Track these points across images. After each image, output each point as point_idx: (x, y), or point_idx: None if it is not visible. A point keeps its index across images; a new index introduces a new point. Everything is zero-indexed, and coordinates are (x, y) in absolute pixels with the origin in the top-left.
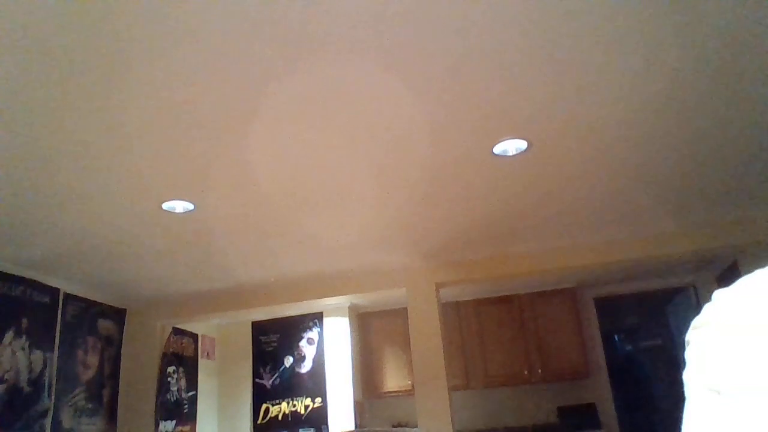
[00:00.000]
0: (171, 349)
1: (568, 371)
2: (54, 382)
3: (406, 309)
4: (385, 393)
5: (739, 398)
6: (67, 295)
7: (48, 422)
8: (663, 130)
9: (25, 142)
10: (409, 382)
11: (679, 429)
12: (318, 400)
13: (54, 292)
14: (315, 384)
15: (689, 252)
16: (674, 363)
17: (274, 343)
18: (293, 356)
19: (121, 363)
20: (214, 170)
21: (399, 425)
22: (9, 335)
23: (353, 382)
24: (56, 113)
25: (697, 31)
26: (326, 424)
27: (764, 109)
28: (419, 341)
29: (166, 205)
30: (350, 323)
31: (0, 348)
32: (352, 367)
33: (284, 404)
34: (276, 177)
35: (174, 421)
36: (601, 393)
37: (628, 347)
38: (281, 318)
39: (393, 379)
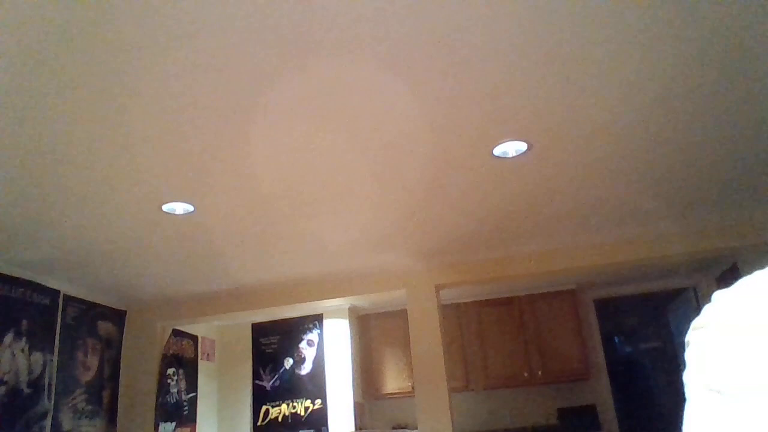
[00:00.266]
0: (171, 351)
1: (569, 373)
2: (54, 383)
3: (406, 310)
4: (385, 394)
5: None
6: (67, 297)
7: (48, 424)
8: (663, 131)
9: (25, 143)
10: (409, 384)
11: (680, 430)
12: (318, 401)
13: (54, 293)
14: (315, 386)
15: (689, 253)
16: (674, 364)
17: (274, 345)
18: (293, 358)
19: (121, 365)
20: (214, 172)
21: (399, 427)
22: (9, 337)
23: (353, 384)
24: (56, 115)
25: (697, 32)
26: (326, 425)
27: (765, 110)
28: (419, 343)
29: (166, 207)
30: (350, 325)
31: (0, 349)
32: (352, 369)
33: (284, 406)
34: (276, 178)
35: (174, 423)
36: (601, 394)
37: (629, 349)
38: (281, 320)
39: (393, 381)
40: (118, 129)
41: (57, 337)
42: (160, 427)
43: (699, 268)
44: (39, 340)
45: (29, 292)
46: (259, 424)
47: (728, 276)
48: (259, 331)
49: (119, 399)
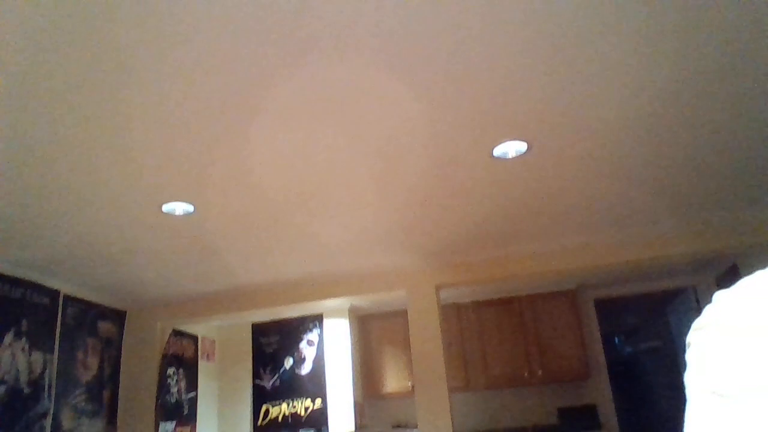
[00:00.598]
0: (171, 351)
1: (569, 373)
2: (54, 383)
3: (406, 311)
4: (385, 394)
5: (740, 400)
6: (67, 297)
7: (48, 424)
8: (663, 131)
9: (25, 143)
10: (409, 384)
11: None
12: (318, 401)
13: (54, 293)
14: (315, 385)
15: (689, 253)
16: (674, 364)
17: (274, 345)
18: (293, 358)
19: (121, 364)
20: (214, 172)
21: (399, 427)
22: (9, 337)
23: (353, 384)
24: (56, 115)
25: (697, 32)
26: (326, 425)
27: (764, 110)
28: (419, 343)
29: (165, 207)
30: (350, 325)
31: (0, 349)
32: (352, 369)
33: (284, 405)
34: (276, 178)
35: (174, 423)
36: (601, 394)
37: (629, 349)
38: (281, 320)
39: (393, 381)
40: (118, 129)
41: (57, 337)
42: (160, 427)
43: (699, 268)
44: (39, 340)
45: (29, 292)
46: (259, 423)
47: (728, 276)
48: (259, 330)
49: (119, 399)
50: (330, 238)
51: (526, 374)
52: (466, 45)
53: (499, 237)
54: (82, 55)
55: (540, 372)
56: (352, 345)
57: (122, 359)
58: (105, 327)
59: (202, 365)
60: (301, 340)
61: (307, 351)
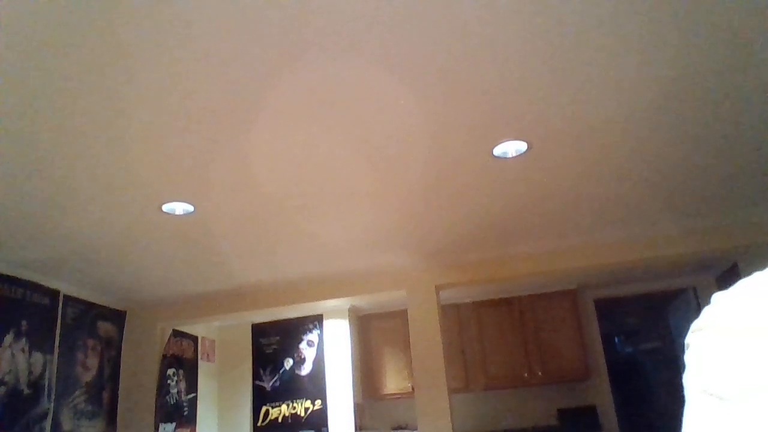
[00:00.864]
0: (171, 352)
1: (569, 373)
2: (54, 384)
3: (406, 311)
4: (385, 395)
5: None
6: (67, 297)
7: (48, 424)
8: (663, 132)
9: (24, 143)
10: (409, 385)
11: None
12: (318, 402)
13: (54, 294)
14: (315, 386)
15: (689, 254)
16: (674, 365)
17: (274, 346)
18: (293, 358)
19: (121, 365)
20: (214, 172)
21: (399, 427)
22: (9, 337)
23: (353, 384)
24: (56, 115)
25: (697, 33)
26: (326, 426)
27: (765, 110)
28: (419, 343)
29: (165, 207)
30: (350, 325)
31: (0, 350)
32: (352, 370)
33: (284, 406)
34: (276, 178)
35: (174, 424)
36: (601, 395)
37: (629, 349)
38: (281, 320)
39: (393, 382)
40: (118, 129)
41: (57, 337)
42: (160, 428)
43: (699, 268)
44: (39, 340)
45: (29, 293)
46: (259, 424)
47: (728, 276)
48: (259, 331)
49: (119, 399)
50: (330, 238)
51: (526, 375)
52: (466, 45)
53: (499, 237)
54: (82, 56)
55: (540, 372)
56: (352, 345)
57: (122, 360)
58: (105, 327)
59: (202, 366)
60: (301, 340)
61: (307, 352)
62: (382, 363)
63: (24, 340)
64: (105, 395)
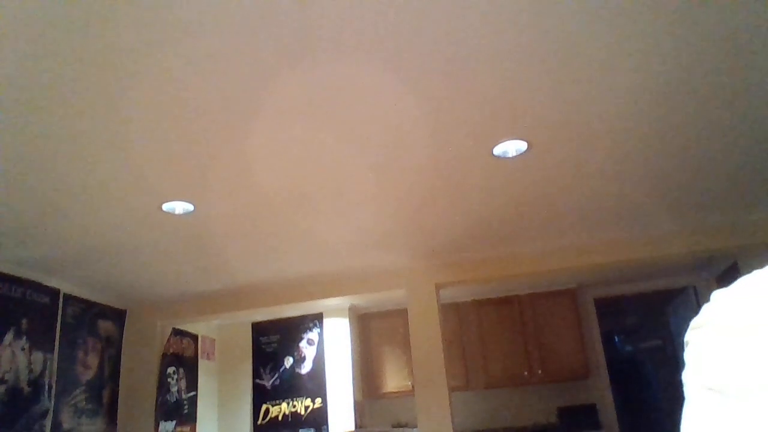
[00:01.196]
0: (171, 350)
1: (569, 372)
2: (54, 382)
3: (406, 310)
4: (385, 393)
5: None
6: (67, 296)
7: (48, 423)
8: (663, 131)
9: (24, 143)
10: (409, 383)
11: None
12: (318, 400)
13: (54, 292)
14: (315, 384)
15: (689, 253)
16: (674, 363)
17: (274, 344)
18: (293, 357)
19: (121, 364)
20: (214, 171)
21: (399, 426)
22: (9, 336)
23: (353, 383)
24: (56, 115)
25: (697, 33)
26: (326, 424)
27: (764, 111)
28: (419, 342)
29: (165, 206)
30: (350, 324)
31: (0, 349)
32: (352, 368)
33: (284, 405)
34: (276, 177)
35: (174, 422)
36: (601, 393)
37: (629, 348)
38: (281, 319)
39: (393, 380)
40: (118, 128)
41: (57, 336)
42: (160, 426)
43: (699, 267)
44: (39, 339)
45: (29, 292)
46: (259, 422)
47: (728, 276)
48: (260, 330)
49: (119, 398)
50: (330, 237)
51: (525, 373)
52: (466, 45)
53: (499, 236)
54: (81, 56)
55: (540, 371)
56: (352, 344)
57: (122, 358)
58: (105, 326)
59: (203, 364)
60: (301, 339)
61: (307, 350)
62: (382, 361)
63: (24, 338)
64: (105, 394)
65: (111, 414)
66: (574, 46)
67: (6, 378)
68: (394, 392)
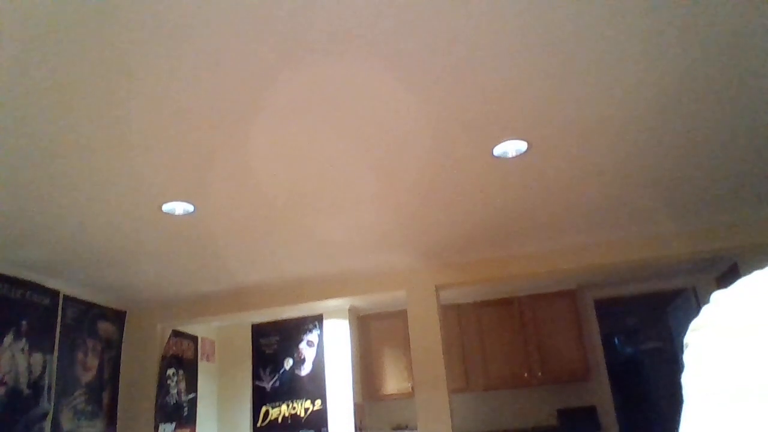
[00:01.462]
0: (171, 352)
1: (568, 373)
2: (54, 384)
3: (406, 311)
4: (385, 395)
5: (737, 400)
6: (67, 298)
7: (48, 425)
8: (663, 132)
9: (24, 143)
10: (409, 385)
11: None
12: (318, 402)
13: (54, 294)
14: (315, 386)
15: (689, 254)
16: (674, 365)
17: (273, 346)
18: (293, 358)
19: (121, 365)
20: (214, 172)
21: (399, 428)
22: (9, 337)
23: (353, 385)
24: (56, 115)
25: (697, 34)
26: (326, 426)
27: (764, 111)
28: (419, 343)
29: (165, 207)
30: (350, 325)
31: (0, 350)
32: (352, 370)
33: (284, 407)
34: (276, 178)
35: (174, 424)
36: (601, 395)
37: (629, 349)
38: (281, 320)
39: (393, 382)
40: (118, 129)
41: (57, 337)
42: (159, 428)
43: (699, 268)
44: (39, 340)
45: (29, 293)
46: (258, 424)
47: (728, 276)
48: (259, 331)
49: (119, 400)
50: (330, 237)
51: (526, 375)
52: (466, 45)
53: (499, 237)
54: (81, 56)
55: (540, 373)
56: (352, 345)
57: (122, 360)
58: (105, 327)
59: (202, 366)
60: (301, 340)
61: (307, 352)
62: (382, 363)
63: (24, 340)
64: (105, 395)
65: (111, 416)
66: (574, 46)
67: (6, 380)
68: (394, 394)
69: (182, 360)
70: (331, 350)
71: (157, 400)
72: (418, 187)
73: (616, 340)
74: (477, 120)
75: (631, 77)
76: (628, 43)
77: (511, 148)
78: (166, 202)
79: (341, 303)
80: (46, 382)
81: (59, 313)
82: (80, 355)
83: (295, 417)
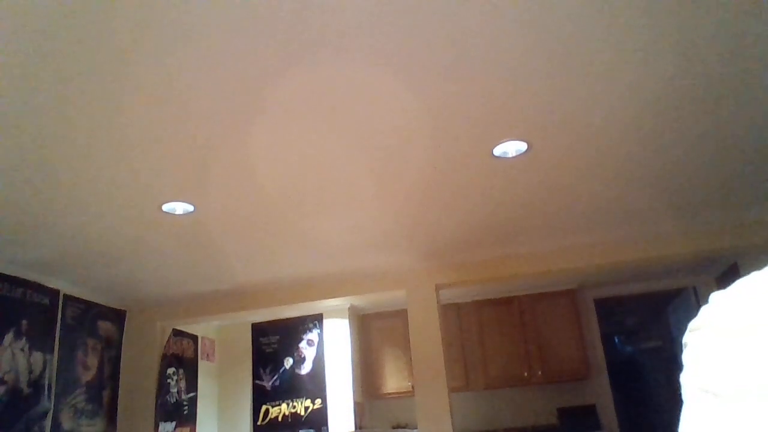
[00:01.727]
0: (171, 351)
1: (569, 372)
2: (54, 383)
3: (406, 310)
4: (385, 394)
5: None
6: (67, 297)
7: (48, 424)
8: (663, 131)
9: (25, 143)
10: (409, 384)
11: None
12: (318, 401)
13: (54, 293)
14: (315, 385)
15: (689, 253)
16: (674, 364)
17: (274, 345)
18: (293, 358)
19: (121, 364)
20: (214, 171)
21: (399, 427)
22: (9, 337)
23: (353, 384)
24: (56, 115)
25: (697, 33)
26: (326, 425)
27: (764, 111)
28: (419, 343)
29: (166, 207)
30: (350, 324)
31: (0, 349)
32: (352, 369)
33: (284, 405)
34: (276, 178)
35: (174, 423)
36: (601, 394)
37: (629, 348)
38: (281, 319)
39: (393, 381)
40: (118, 129)
41: (57, 337)
42: (160, 427)
43: (699, 268)
44: (39, 340)
45: (29, 292)
46: (259, 423)
47: (728, 276)
48: (259, 330)
49: (119, 399)
50: (330, 237)
51: (526, 374)
52: (466, 45)
53: (499, 237)
54: (82, 56)
55: (540, 372)
56: (352, 345)
57: (122, 359)
58: (105, 327)
59: (202, 365)
60: (301, 340)
61: (307, 351)
62: (382, 362)
63: (24, 339)
64: (105, 394)
65: (111, 415)
66: (574, 46)
67: (6, 379)
68: (394, 393)
69: (182, 359)
70: (332, 349)
71: (157, 399)
72: (418, 187)
73: (616, 340)
74: (477, 120)
75: (631, 77)
76: (629, 44)
77: (511, 148)
78: (166, 202)
79: (341, 302)
80: (47, 381)
81: (59, 312)
82: (80, 355)
83: (295, 416)
